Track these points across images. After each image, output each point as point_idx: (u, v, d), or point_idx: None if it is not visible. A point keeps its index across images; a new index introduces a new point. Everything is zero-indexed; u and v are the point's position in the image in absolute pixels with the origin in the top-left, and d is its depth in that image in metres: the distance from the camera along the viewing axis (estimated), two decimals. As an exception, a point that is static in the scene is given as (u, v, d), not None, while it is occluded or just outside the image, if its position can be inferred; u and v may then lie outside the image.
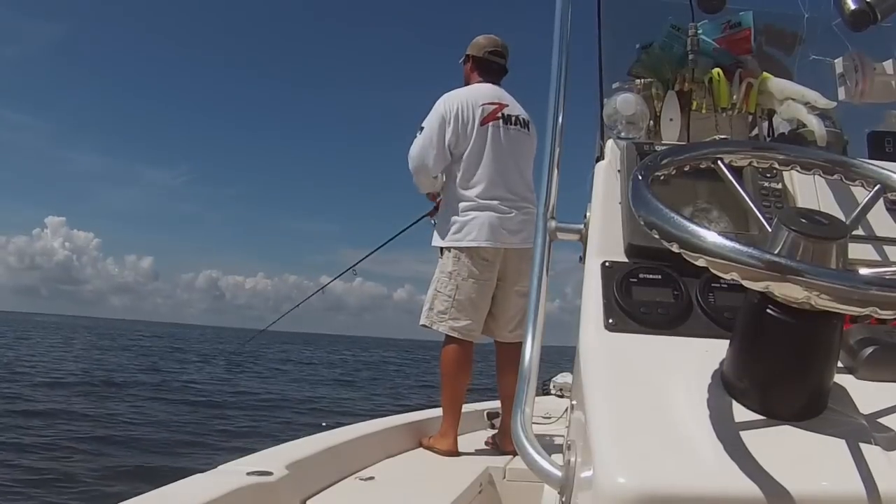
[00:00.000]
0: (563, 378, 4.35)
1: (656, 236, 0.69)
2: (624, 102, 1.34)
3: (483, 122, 2.84)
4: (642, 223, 0.72)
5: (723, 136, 1.46)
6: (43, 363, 17.40)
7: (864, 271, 0.84)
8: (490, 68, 3.02)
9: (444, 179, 2.94)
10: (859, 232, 1.05)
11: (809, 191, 1.15)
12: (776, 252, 0.68)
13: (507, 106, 2.91)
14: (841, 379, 0.78)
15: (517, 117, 2.92)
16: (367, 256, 4.62)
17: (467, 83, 3.04)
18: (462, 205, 2.82)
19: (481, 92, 2.93)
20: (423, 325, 2.88)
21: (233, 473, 1.67)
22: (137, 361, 21.34)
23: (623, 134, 1.31)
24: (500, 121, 2.87)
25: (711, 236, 0.64)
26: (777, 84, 1.49)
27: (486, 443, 2.88)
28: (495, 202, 2.80)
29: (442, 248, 2.88)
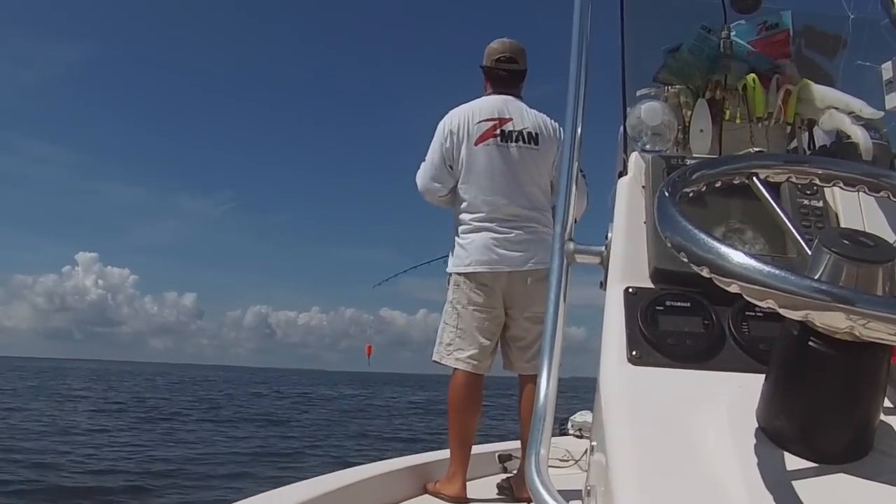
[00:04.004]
0: (583, 416, 4.31)
1: (684, 259, 0.69)
2: (649, 111, 1.34)
3: (477, 143, 2.89)
4: (669, 245, 0.72)
5: (758, 149, 1.46)
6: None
7: None
8: (499, 77, 3.05)
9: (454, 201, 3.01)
10: None
11: (854, 209, 1.15)
12: (817, 277, 0.68)
13: (510, 120, 2.93)
14: (888, 419, 0.77)
15: (521, 132, 2.93)
16: None
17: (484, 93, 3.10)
18: (461, 228, 2.90)
19: (480, 107, 2.97)
20: (435, 361, 2.90)
21: None
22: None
23: (648, 146, 1.32)
24: (498, 138, 2.89)
25: (745, 259, 0.64)
26: (818, 91, 1.49)
27: (498, 486, 2.86)
28: (492, 223, 2.83)
29: (448, 276, 2.95)
